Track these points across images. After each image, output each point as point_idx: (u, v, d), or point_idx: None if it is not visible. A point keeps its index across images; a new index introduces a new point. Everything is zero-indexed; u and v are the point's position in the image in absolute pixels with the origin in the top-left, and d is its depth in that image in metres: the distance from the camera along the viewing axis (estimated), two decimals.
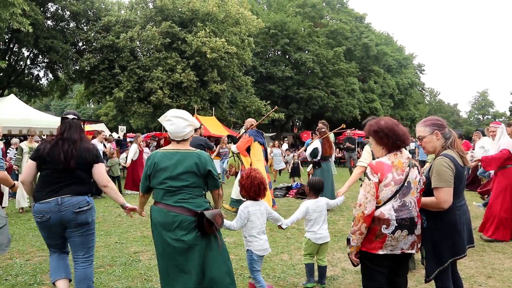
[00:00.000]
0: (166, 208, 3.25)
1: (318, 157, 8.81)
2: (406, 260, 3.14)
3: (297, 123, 42.24)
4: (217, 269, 3.31)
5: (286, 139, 23.94)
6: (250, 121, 8.86)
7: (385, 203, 2.90)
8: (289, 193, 11.51)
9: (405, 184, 2.92)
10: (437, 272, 3.16)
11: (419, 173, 3.02)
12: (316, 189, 4.41)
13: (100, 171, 3.73)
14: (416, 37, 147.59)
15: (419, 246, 3.09)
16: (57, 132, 3.78)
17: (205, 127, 18.30)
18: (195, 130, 9.89)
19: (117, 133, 25.10)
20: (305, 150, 9.95)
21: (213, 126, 19.25)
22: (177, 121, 3.38)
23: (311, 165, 9.05)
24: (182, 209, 3.24)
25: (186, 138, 3.43)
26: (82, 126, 3.71)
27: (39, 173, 3.68)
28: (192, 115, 17.05)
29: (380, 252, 2.90)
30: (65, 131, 3.67)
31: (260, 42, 30.52)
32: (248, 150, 8.33)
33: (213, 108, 22.77)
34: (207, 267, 3.28)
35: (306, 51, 31.83)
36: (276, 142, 17.45)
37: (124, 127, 25.46)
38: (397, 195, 2.90)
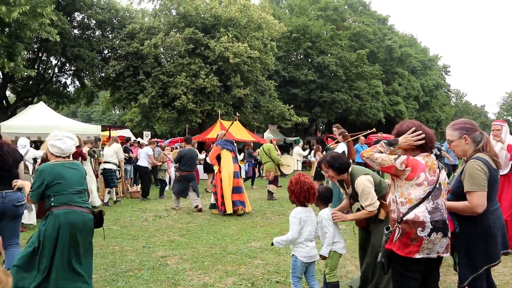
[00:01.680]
0: (77, 209, 3.74)
1: None
2: (439, 264, 3.08)
3: (321, 127, 42.02)
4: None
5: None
6: (219, 132, 10.35)
7: (418, 204, 2.88)
8: None
9: (437, 185, 2.90)
10: (471, 279, 3.08)
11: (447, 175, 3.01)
12: (323, 198, 4.15)
13: (22, 167, 4.80)
14: (441, 38, 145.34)
15: (449, 248, 3.03)
16: None
17: (228, 132, 18.37)
18: (188, 143, 10.58)
19: (142, 138, 25.43)
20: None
21: (237, 131, 19.30)
22: (68, 141, 3.94)
23: None
24: (87, 209, 3.84)
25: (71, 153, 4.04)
26: None
27: None
28: (216, 120, 17.34)
29: (417, 256, 2.86)
30: None
31: (283, 46, 30.48)
32: (219, 158, 9.26)
33: (237, 112, 22.86)
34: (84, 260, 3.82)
35: (329, 54, 31.63)
36: (319, 146, 16.90)
37: (149, 133, 25.79)
38: (430, 196, 2.89)
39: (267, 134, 12.99)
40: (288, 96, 30.13)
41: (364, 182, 3.85)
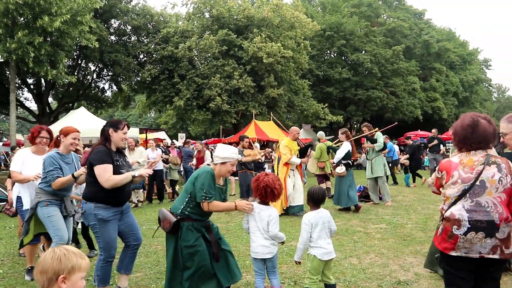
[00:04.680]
0: None
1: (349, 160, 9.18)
2: (493, 266, 2.88)
3: (356, 125, 41.46)
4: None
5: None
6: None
7: (454, 202, 2.81)
8: None
9: (477, 183, 2.75)
10: None
11: (499, 171, 2.78)
12: (315, 200, 3.95)
13: None
14: (481, 31, 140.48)
15: (507, 252, 2.80)
16: None
17: (263, 132, 18.41)
18: (241, 140, 10.57)
19: (177, 140, 25.82)
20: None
21: (271, 131, 19.29)
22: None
23: (343, 167, 8.93)
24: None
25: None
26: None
27: None
28: (250, 120, 17.28)
29: (453, 253, 2.79)
30: None
31: (316, 44, 30.29)
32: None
33: (271, 112, 22.83)
34: None
35: (363, 52, 31.21)
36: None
37: (184, 134, 26.15)
38: (467, 194, 2.77)
39: (320, 132, 12.70)
40: (322, 95, 29.92)
41: None
